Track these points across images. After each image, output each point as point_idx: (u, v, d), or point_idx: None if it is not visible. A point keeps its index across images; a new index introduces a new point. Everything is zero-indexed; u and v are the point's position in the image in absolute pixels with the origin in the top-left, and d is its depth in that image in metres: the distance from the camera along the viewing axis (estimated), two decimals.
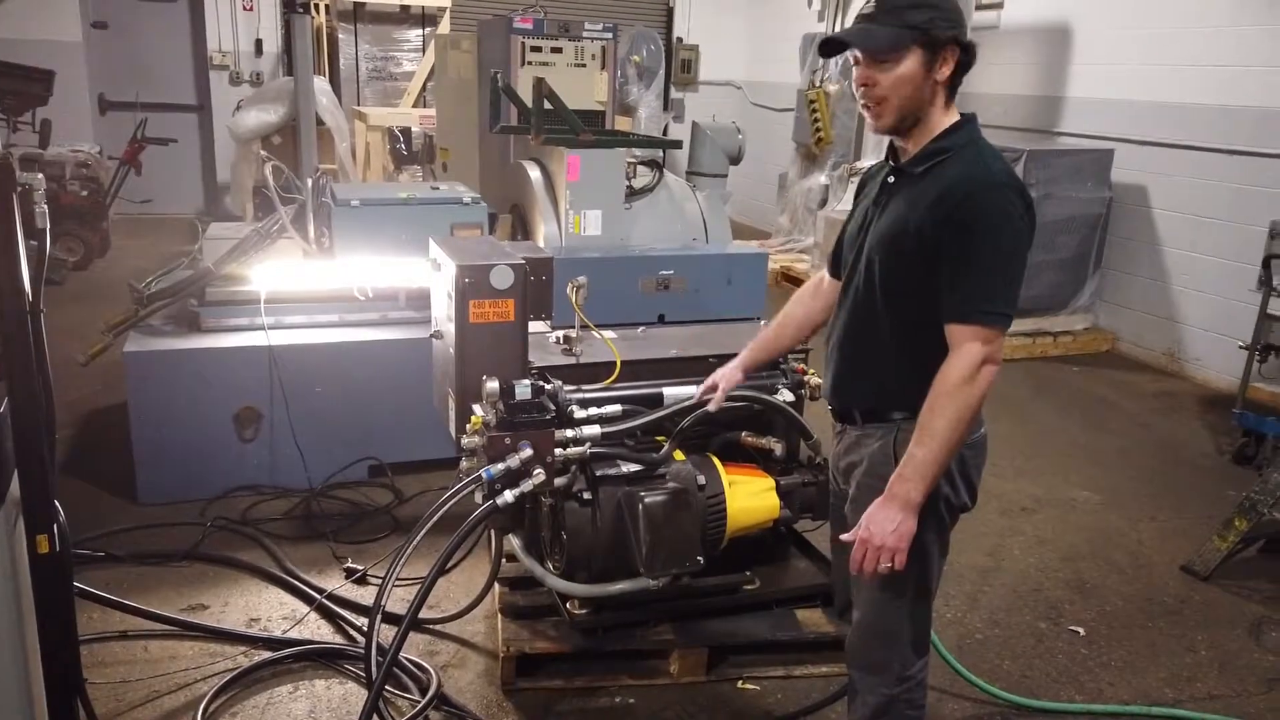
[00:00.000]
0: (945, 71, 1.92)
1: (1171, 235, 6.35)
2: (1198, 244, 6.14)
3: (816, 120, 8.25)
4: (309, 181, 4.20)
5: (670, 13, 11.26)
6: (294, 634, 3.06)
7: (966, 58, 1.93)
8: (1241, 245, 5.72)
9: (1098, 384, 6.05)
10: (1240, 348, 4.99)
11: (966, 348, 1.87)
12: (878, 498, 1.97)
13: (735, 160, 5.69)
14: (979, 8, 7.34)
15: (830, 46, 1.99)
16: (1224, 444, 5.03)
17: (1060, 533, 4.04)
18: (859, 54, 1.93)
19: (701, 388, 2.58)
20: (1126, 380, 6.16)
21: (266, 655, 2.92)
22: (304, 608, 3.21)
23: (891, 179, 2.04)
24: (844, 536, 2.02)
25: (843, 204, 7.60)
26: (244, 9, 9.47)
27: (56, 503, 1.90)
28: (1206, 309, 6.10)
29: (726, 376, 2.52)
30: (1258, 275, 4.85)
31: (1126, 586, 3.64)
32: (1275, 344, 4.84)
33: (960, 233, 1.87)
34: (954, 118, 1.98)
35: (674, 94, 11.14)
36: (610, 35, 6.16)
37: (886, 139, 2.06)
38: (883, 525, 1.91)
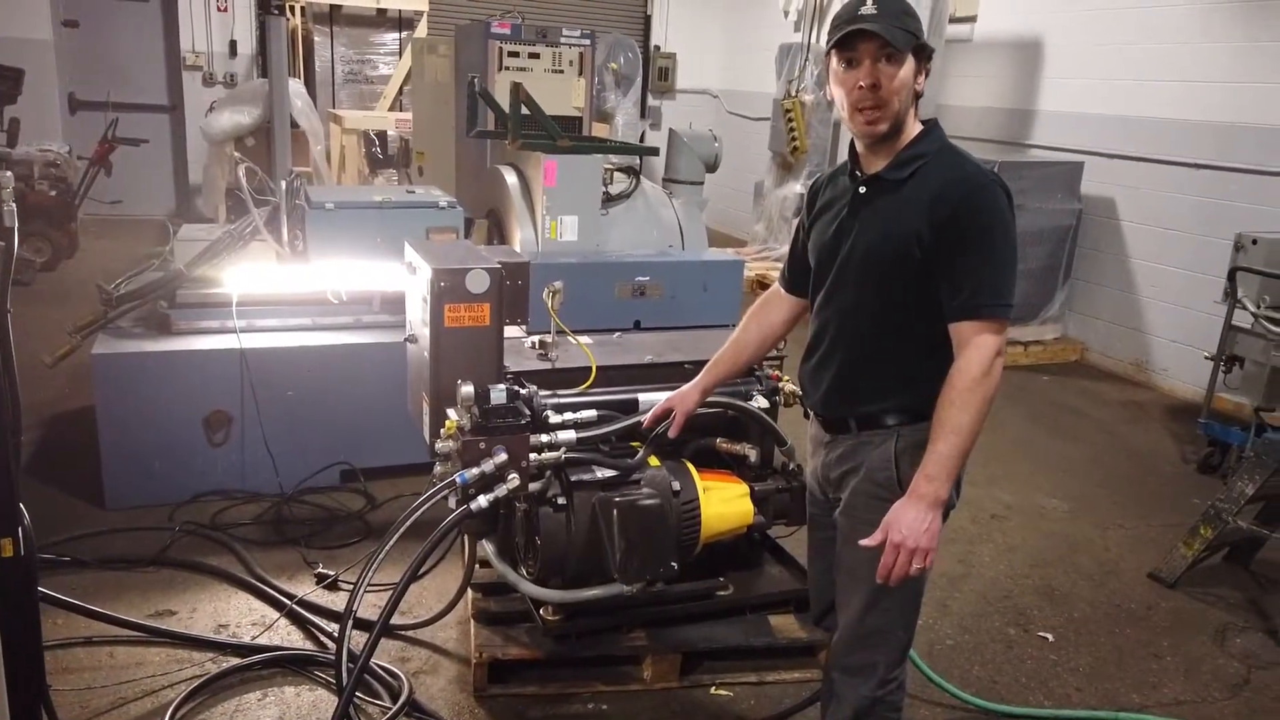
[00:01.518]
0: (923, 82, 1.97)
1: (1139, 247, 6.45)
2: (1164, 256, 6.25)
3: (792, 129, 8.31)
4: (283, 183, 4.17)
5: (648, 21, 11.30)
6: (263, 640, 3.03)
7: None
8: (1207, 258, 5.82)
9: (1067, 393, 6.13)
10: (1206, 358, 5.07)
11: (979, 341, 1.90)
12: (877, 503, 1.99)
13: (712, 168, 5.72)
14: (953, 20, 7.44)
15: (851, 39, 1.91)
16: (1189, 453, 5.11)
17: (1029, 540, 4.08)
18: (866, 54, 1.90)
19: (651, 415, 2.56)
20: (1095, 389, 6.24)
21: (235, 662, 2.88)
22: (274, 614, 3.18)
23: (863, 189, 2.04)
24: (865, 542, 1.94)
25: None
26: (218, 10, 9.39)
27: (21, 506, 1.87)
28: (1173, 320, 6.20)
29: (683, 399, 2.49)
30: (1223, 288, 4.93)
31: (1094, 593, 3.69)
32: (1240, 355, 4.92)
33: (961, 233, 1.91)
34: (918, 126, 2.02)
35: (651, 102, 11.20)
36: (588, 42, 6.18)
37: (877, 140, 2.01)
38: (914, 526, 1.88)
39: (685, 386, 2.51)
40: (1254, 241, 4.89)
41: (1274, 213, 5.46)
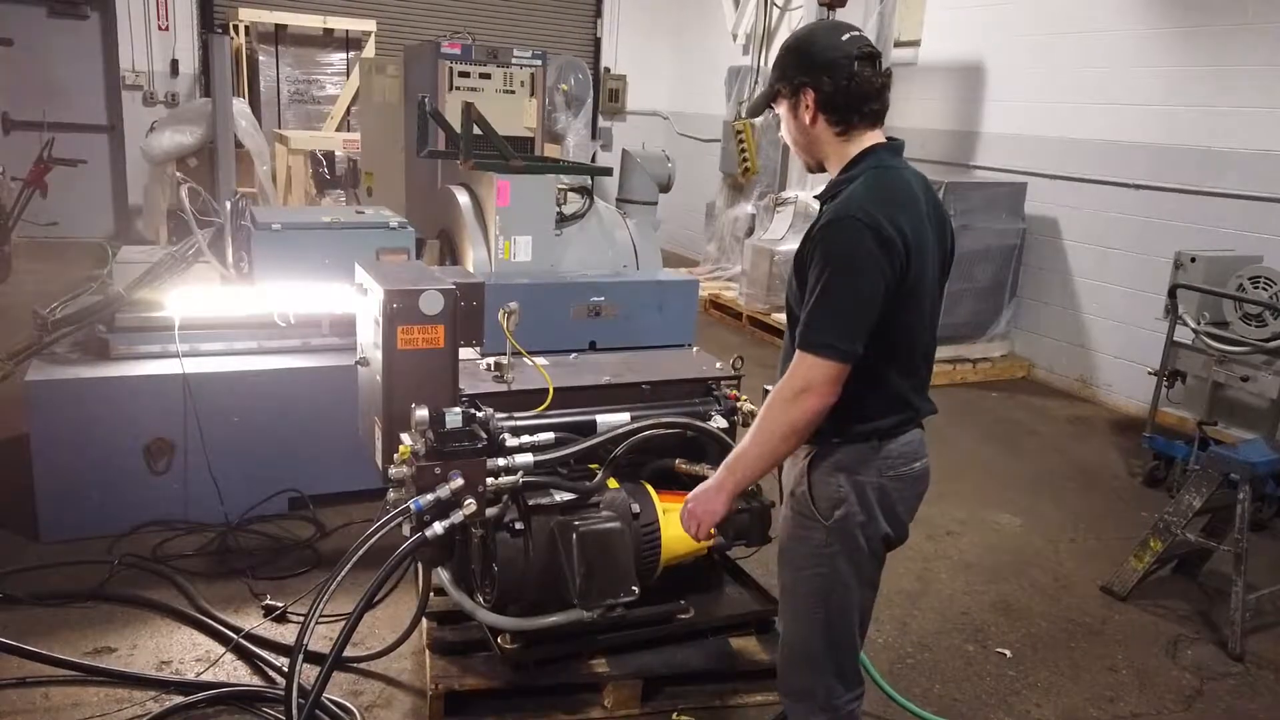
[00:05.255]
0: (808, 114, 2.01)
1: (1082, 266, 6.60)
2: (1107, 274, 6.40)
3: (743, 151, 8.37)
4: (227, 204, 4.07)
5: (598, 43, 11.35)
6: (208, 676, 2.92)
7: (832, 91, 1.96)
8: (1147, 275, 5.97)
9: (1015, 409, 6.22)
10: (1149, 374, 5.19)
11: (793, 371, 1.95)
12: (797, 517, 2.11)
13: (665, 188, 5.71)
14: (897, 45, 7.58)
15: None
16: (1135, 467, 5.22)
17: (984, 556, 4.11)
18: None
19: None
20: (1042, 405, 6.35)
21: (178, 700, 2.77)
22: (219, 648, 3.07)
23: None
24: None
25: (769, 233, 7.70)
26: (159, 28, 9.21)
27: None
28: (1116, 337, 6.34)
29: None
30: (1164, 305, 5.06)
31: (1049, 607, 3.72)
32: (1182, 370, 5.04)
33: (810, 263, 1.95)
34: (860, 148, 2.02)
35: (602, 123, 11.21)
36: (539, 62, 6.17)
37: (816, 171, 2.15)
38: (698, 495, 2.13)
39: None
40: (1193, 259, 5.03)
41: (1211, 231, 5.62)
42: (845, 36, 2.00)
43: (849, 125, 1.99)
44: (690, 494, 2.16)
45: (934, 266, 2.04)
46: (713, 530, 2.19)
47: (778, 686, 2.29)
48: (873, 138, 2.03)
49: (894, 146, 2.06)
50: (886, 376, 2.02)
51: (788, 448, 2.00)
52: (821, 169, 2.09)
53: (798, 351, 1.94)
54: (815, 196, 2.13)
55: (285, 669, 2.73)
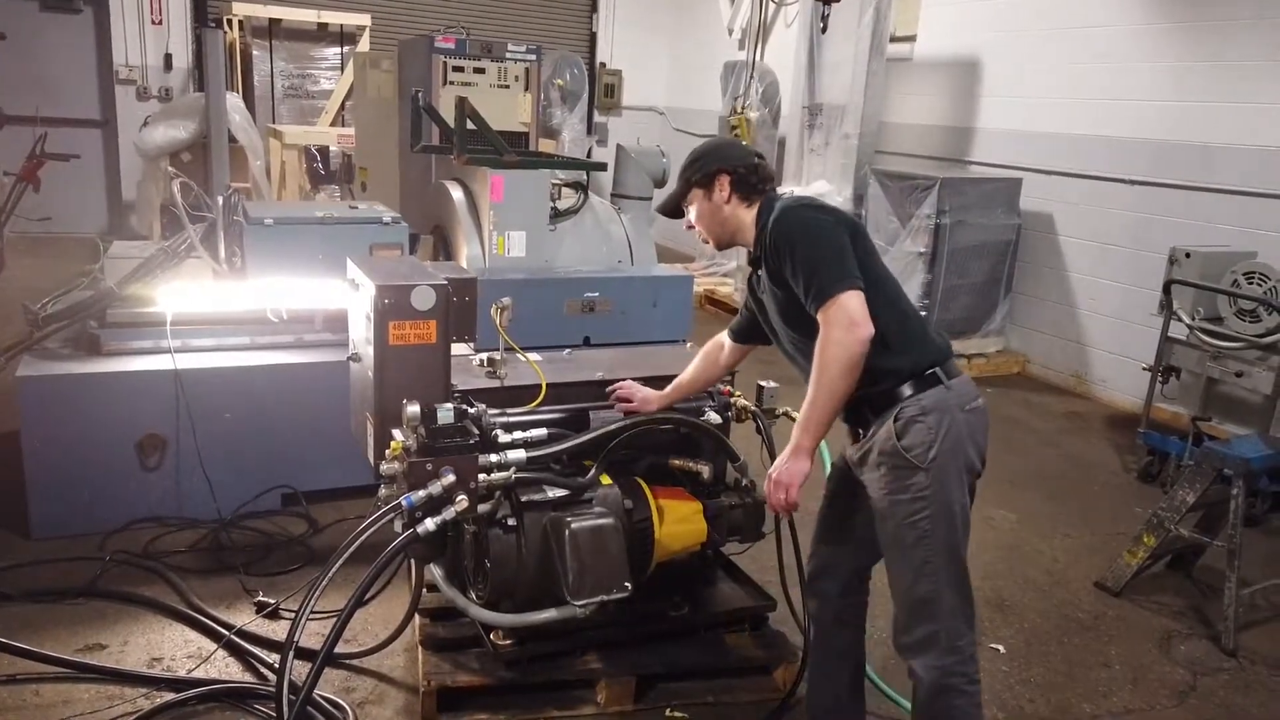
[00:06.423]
0: (723, 195, 2.42)
1: (1077, 261, 6.59)
2: (1102, 270, 6.40)
3: None
4: (220, 199, 4.05)
5: (593, 38, 11.32)
6: (200, 673, 2.90)
7: (745, 173, 2.40)
8: (1142, 271, 5.97)
9: (1010, 405, 6.22)
10: (1143, 369, 5.19)
11: (827, 323, 2.14)
12: (876, 475, 2.28)
13: (660, 183, 5.71)
14: (894, 40, 7.56)
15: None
16: (1130, 462, 5.22)
17: (979, 551, 4.11)
18: None
19: (616, 395, 2.86)
20: (1037, 401, 6.35)
21: (170, 697, 2.75)
22: (211, 645, 3.05)
23: (754, 271, 2.46)
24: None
25: None
26: (153, 23, 9.17)
27: None
28: (1111, 332, 6.34)
29: (646, 402, 2.83)
30: (1159, 300, 5.06)
31: (1043, 603, 3.72)
32: (1176, 366, 5.04)
33: (779, 256, 2.26)
34: (754, 211, 2.41)
35: (597, 118, 11.18)
36: (534, 57, 6.15)
37: (727, 247, 2.58)
38: (779, 464, 2.26)
39: (653, 394, 2.83)
40: (1188, 255, 5.03)
41: (1206, 227, 5.62)
42: (744, 144, 2.60)
43: (752, 201, 2.42)
44: (771, 469, 2.28)
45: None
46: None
47: (896, 647, 2.33)
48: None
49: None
50: (904, 309, 2.29)
51: (847, 385, 2.16)
52: (732, 244, 2.49)
53: (819, 311, 2.14)
54: (750, 263, 2.49)
55: (276, 666, 2.72)
